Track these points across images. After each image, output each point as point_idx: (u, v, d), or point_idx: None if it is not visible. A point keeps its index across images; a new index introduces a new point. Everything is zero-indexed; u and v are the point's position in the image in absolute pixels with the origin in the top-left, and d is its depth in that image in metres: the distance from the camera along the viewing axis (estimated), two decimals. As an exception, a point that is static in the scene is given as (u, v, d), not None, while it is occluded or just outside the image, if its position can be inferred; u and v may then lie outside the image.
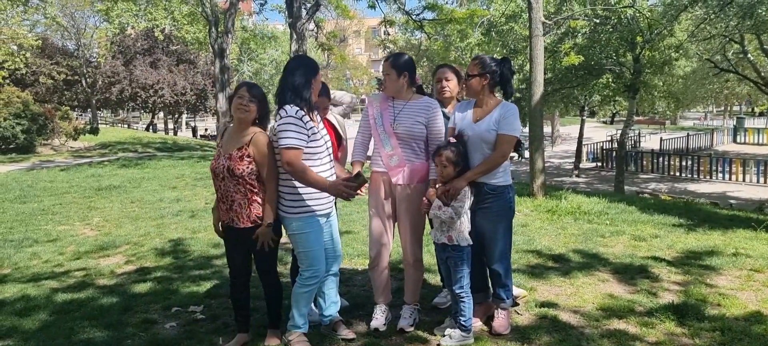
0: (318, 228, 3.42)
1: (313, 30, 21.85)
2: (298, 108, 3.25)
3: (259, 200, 3.35)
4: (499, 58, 3.69)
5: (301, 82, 3.31)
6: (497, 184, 3.59)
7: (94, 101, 34.79)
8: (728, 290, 4.48)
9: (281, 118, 3.22)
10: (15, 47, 24.32)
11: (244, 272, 3.55)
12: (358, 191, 3.33)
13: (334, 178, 3.44)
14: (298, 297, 3.46)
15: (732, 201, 15.95)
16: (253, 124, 3.36)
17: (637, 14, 15.86)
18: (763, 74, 20.84)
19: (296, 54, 3.50)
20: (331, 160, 3.50)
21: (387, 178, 3.73)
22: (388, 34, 43.70)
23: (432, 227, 3.72)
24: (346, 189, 3.22)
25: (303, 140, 3.22)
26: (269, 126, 3.44)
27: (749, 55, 20.71)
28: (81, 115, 39.44)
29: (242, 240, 3.41)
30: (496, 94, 3.70)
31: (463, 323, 3.54)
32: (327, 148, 3.44)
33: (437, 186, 3.56)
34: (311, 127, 3.28)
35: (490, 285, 3.87)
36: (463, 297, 3.55)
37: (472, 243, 3.54)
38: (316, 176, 3.25)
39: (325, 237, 3.54)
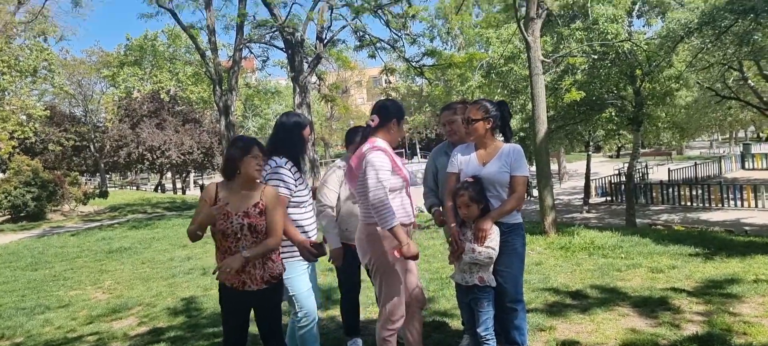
0: (302, 272, 3.61)
1: (315, 83, 22.19)
2: (286, 159, 3.54)
3: (273, 258, 3.30)
4: (497, 101, 3.73)
5: (289, 136, 3.60)
6: (513, 221, 3.62)
7: (102, 165, 35.15)
8: (753, 318, 4.38)
9: (271, 168, 3.50)
10: (24, 117, 24.76)
11: (242, 341, 3.39)
12: (317, 259, 3.57)
13: (315, 230, 3.71)
14: (302, 339, 3.63)
15: (747, 228, 15.73)
16: None
17: (635, 48, 16.02)
18: (765, 99, 20.87)
19: (286, 111, 3.83)
20: (313, 212, 3.74)
21: (410, 227, 3.64)
22: (390, 83, 44.29)
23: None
24: (308, 252, 3.47)
25: (289, 189, 3.49)
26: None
27: (750, 82, 20.77)
28: (90, 179, 39.80)
29: (247, 304, 3.30)
30: (498, 137, 3.73)
31: None
32: (309, 199, 3.70)
33: (473, 227, 3.51)
34: (298, 178, 3.56)
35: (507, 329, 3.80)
36: (488, 339, 3.49)
37: (495, 283, 3.52)
38: (292, 227, 3.50)
39: (311, 282, 3.72)
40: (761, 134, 50.90)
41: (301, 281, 3.59)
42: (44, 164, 25.39)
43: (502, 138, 3.74)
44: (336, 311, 5.19)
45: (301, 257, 3.55)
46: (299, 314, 3.60)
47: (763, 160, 32.69)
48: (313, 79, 20.23)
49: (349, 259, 4.05)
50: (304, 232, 3.59)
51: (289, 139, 3.60)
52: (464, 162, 3.67)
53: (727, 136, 48.96)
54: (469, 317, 3.68)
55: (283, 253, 3.48)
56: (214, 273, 3.24)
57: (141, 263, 9.88)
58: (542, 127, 9.65)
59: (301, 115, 3.75)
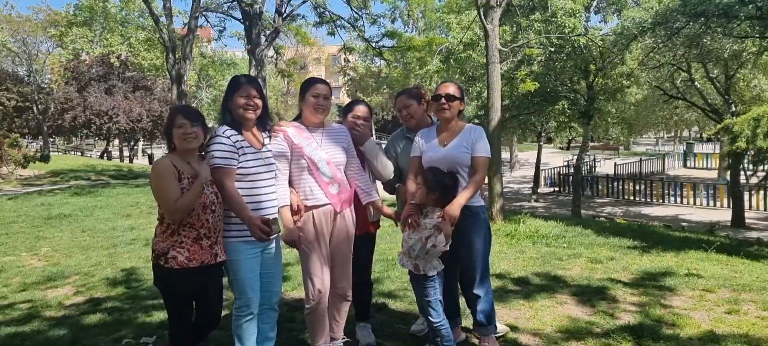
0: (248, 256, 3.24)
1: (272, 57, 21.79)
2: (226, 127, 3.21)
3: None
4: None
5: (227, 102, 3.29)
6: (473, 204, 3.58)
7: (45, 128, 33.71)
8: (682, 310, 4.57)
9: (211, 138, 3.20)
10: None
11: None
12: (269, 237, 3.15)
13: (277, 201, 3.34)
14: (236, 330, 3.31)
15: (684, 224, 16.42)
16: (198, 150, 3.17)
17: (590, 43, 16.37)
18: (709, 101, 21.70)
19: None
20: (273, 185, 3.35)
21: (321, 211, 3.50)
22: (348, 62, 43.94)
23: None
24: (257, 229, 3.09)
25: (231, 160, 3.14)
26: None
27: (696, 83, 21.53)
28: (32, 142, 38.15)
29: (215, 274, 3.20)
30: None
31: None
32: (266, 170, 3.30)
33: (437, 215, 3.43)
34: (241, 147, 3.19)
35: (470, 311, 3.86)
36: (440, 323, 3.45)
37: (441, 269, 3.46)
38: (240, 201, 3.13)
39: (263, 269, 3.35)
40: (704, 135, 52.88)
41: (245, 265, 3.22)
42: (-18, 124, 24.20)
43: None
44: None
45: (245, 239, 3.18)
46: (236, 303, 3.28)
47: (704, 160, 34.15)
48: (271, 53, 19.85)
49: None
50: (259, 209, 3.22)
51: (224, 105, 3.31)
52: (426, 146, 3.66)
53: (672, 134, 50.72)
54: (420, 301, 3.65)
55: (230, 232, 3.19)
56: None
57: (81, 231, 9.55)
58: (496, 115, 9.77)
59: (240, 76, 3.39)
